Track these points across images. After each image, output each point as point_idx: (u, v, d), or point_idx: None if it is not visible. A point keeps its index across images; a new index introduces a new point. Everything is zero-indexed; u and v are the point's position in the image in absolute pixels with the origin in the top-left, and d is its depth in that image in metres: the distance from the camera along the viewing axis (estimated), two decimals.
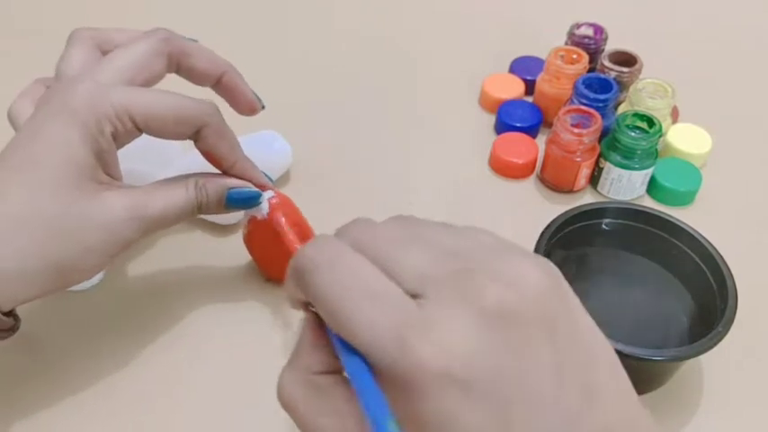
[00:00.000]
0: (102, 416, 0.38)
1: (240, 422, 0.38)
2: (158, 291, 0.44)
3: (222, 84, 0.40)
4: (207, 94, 0.40)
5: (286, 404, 0.25)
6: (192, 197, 0.36)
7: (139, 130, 0.35)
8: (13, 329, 0.35)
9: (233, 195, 0.38)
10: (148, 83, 0.37)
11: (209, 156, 0.37)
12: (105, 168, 0.35)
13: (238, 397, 0.39)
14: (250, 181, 0.39)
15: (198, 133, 0.36)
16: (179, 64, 0.38)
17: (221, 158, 0.37)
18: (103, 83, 0.34)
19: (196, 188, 0.37)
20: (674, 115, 0.55)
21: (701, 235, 0.41)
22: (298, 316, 0.43)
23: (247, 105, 0.41)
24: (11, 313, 0.34)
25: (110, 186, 0.35)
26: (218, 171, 0.38)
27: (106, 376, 0.39)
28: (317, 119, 0.56)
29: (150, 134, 0.35)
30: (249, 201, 0.39)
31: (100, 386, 0.39)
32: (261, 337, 0.42)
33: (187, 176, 0.37)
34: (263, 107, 0.42)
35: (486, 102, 0.58)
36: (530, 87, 0.58)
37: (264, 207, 0.40)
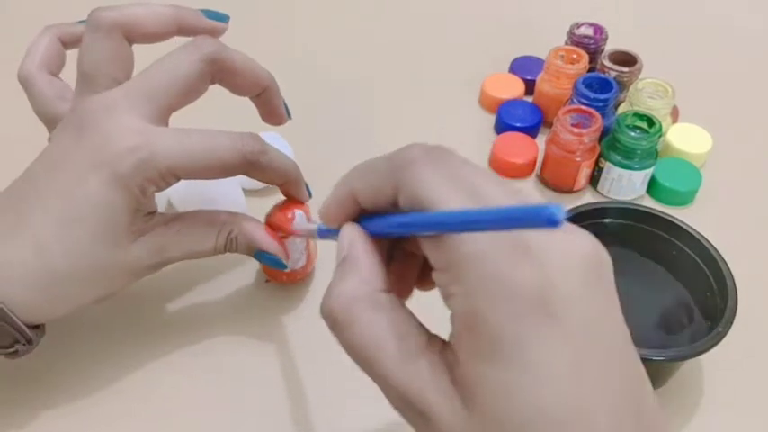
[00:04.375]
0: (101, 416, 0.38)
1: (240, 421, 0.38)
2: (158, 290, 0.44)
3: (260, 98, 0.40)
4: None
5: (341, 319, 0.25)
6: (221, 246, 0.38)
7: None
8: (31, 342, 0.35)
9: (263, 257, 0.39)
10: (191, 101, 0.37)
11: None
12: (142, 211, 0.35)
13: (238, 396, 0.39)
14: (294, 197, 0.40)
15: (246, 172, 0.36)
16: (222, 80, 0.37)
17: (270, 183, 0.38)
18: (151, 133, 0.34)
19: (227, 240, 0.38)
20: (674, 115, 0.55)
21: (700, 235, 0.41)
22: (298, 317, 0.43)
23: (277, 119, 0.41)
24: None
25: (142, 232, 0.35)
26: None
27: (106, 376, 0.39)
28: (317, 120, 0.56)
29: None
30: (276, 266, 0.39)
31: (99, 386, 0.39)
32: (261, 336, 0.42)
33: (224, 222, 0.38)
34: (290, 118, 0.42)
35: (486, 102, 0.58)
36: (530, 87, 0.58)
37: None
